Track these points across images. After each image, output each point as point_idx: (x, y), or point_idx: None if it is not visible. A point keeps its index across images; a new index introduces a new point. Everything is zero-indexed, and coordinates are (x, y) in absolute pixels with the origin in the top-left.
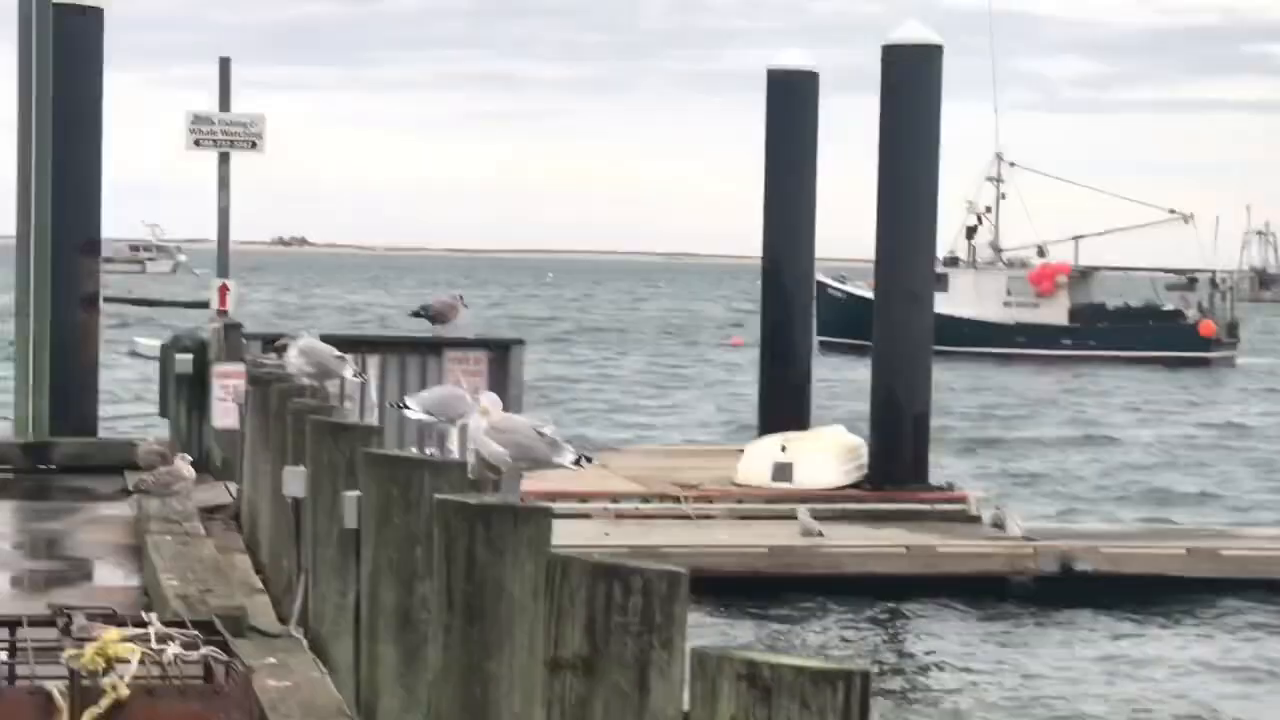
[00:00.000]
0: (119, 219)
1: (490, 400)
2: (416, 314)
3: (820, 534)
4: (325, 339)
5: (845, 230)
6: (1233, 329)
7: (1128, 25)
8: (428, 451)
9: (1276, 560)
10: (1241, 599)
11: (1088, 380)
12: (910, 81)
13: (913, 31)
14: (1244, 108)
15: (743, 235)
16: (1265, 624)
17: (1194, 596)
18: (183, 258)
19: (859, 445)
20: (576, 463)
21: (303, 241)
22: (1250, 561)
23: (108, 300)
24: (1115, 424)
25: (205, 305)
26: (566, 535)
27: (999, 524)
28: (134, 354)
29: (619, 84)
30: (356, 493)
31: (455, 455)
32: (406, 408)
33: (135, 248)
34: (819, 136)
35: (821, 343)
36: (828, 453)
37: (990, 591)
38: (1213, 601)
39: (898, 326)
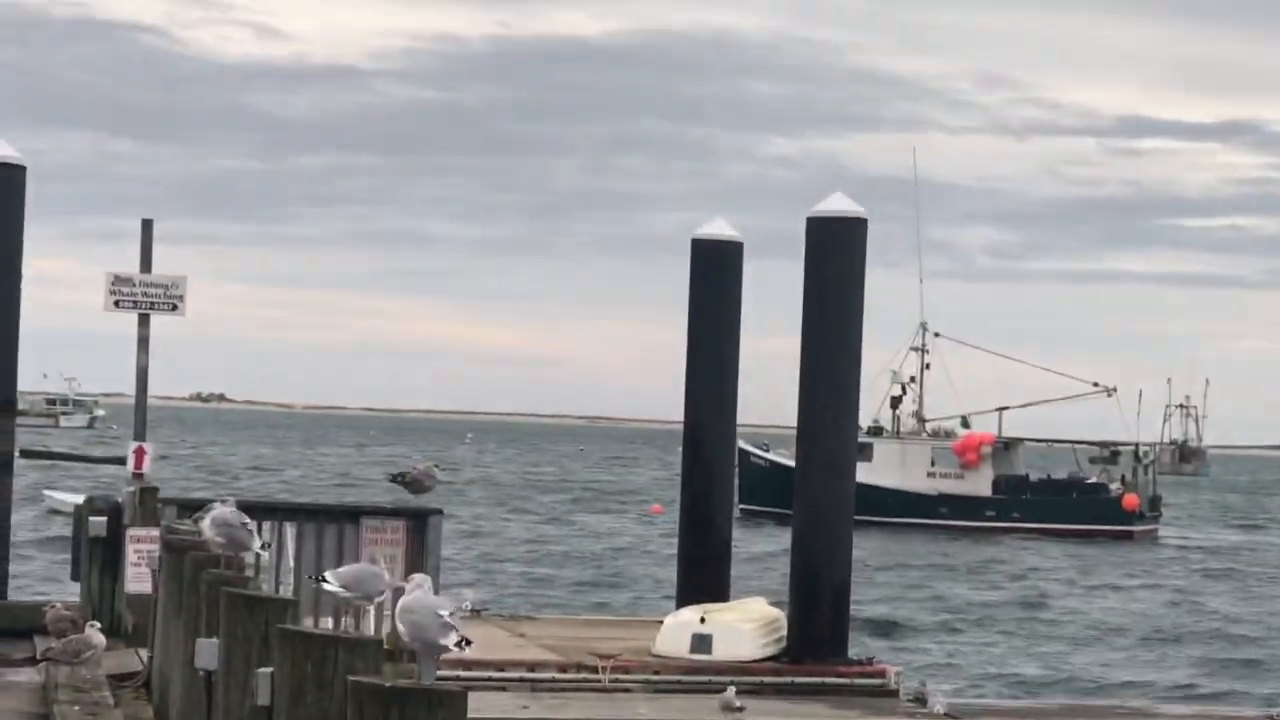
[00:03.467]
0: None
1: (419, 582)
2: (394, 479)
3: (742, 709)
4: (242, 505)
5: (766, 396)
6: (1155, 503)
7: (1036, 195)
8: (344, 624)
9: None
10: None
11: (1010, 552)
12: (835, 254)
13: (838, 204)
14: (1154, 280)
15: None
16: None
17: None
18: (100, 412)
19: (779, 617)
20: (459, 645)
21: (221, 398)
22: None
23: (23, 454)
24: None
25: (121, 461)
26: (484, 708)
27: (920, 699)
28: (53, 511)
29: (533, 244)
30: (270, 669)
31: (370, 632)
32: (325, 582)
33: (51, 401)
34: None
35: (743, 510)
36: (747, 625)
37: None
38: None
39: (818, 496)
